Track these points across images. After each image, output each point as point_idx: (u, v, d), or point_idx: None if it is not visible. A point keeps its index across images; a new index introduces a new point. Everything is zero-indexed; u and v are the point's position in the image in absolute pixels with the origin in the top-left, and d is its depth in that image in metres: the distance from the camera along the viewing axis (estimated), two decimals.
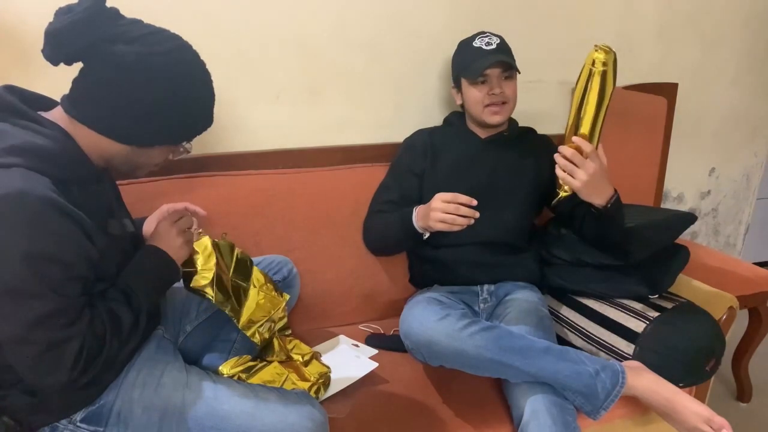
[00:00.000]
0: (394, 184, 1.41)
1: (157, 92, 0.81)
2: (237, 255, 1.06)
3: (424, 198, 1.39)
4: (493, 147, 1.40)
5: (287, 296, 1.14)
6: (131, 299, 0.85)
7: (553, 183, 1.40)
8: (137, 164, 0.89)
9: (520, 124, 1.47)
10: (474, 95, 1.34)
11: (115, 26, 0.80)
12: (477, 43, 1.34)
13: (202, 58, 0.87)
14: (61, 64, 0.81)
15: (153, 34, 0.82)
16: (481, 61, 1.30)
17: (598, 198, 1.12)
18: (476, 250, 1.34)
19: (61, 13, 0.77)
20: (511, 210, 1.37)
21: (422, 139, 1.43)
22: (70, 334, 0.75)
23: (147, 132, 0.84)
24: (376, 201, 1.43)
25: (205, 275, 0.97)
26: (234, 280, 1.04)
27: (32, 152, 0.75)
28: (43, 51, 0.79)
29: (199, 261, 0.98)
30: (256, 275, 1.09)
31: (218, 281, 0.99)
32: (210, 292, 0.97)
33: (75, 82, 0.82)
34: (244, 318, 1.04)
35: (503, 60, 1.29)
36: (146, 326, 0.89)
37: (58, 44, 0.77)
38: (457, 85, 1.40)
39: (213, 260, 0.99)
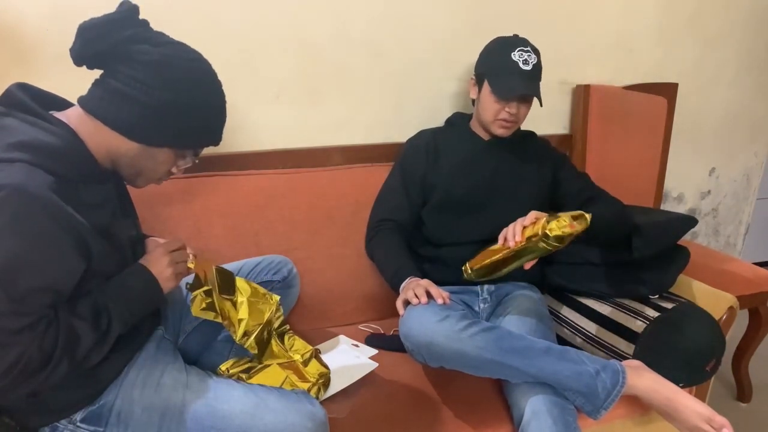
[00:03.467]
0: (400, 188, 1.41)
1: (174, 92, 0.82)
2: (216, 270, 1.04)
3: (429, 197, 1.39)
4: (496, 149, 1.40)
5: (277, 297, 1.13)
6: (100, 319, 0.81)
7: (552, 187, 1.41)
8: (141, 169, 0.89)
9: (522, 127, 1.47)
10: (491, 105, 1.32)
11: (145, 32, 0.83)
12: (516, 56, 1.28)
13: (216, 73, 0.90)
14: (68, 68, 0.82)
15: (179, 44, 0.86)
16: (514, 83, 1.27)
17: None
18: (477, 250, 1.34)
19: (95, 16, 0.80)
20: (512, 211, 1.36)
21: (425, 140, 1.43)
22: (12, 341, 0.71)
23: (157, 130, 0.84)
24: (383, 205, 1.43)
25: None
26: (222, 297, 1.04)
27: (38, 149, 0.75)
28: (71, 49, 0.80)
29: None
30: (241, 286, 1.08)
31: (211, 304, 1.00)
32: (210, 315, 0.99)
33: (96, 81, 0.84)
34: (240, 332, 1.04)
35: (531, 93, 1.28)
36: (128, 342, 0.88)
37: (89, 40, 0.79)
38: (479, 81, 1.37)
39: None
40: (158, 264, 0.91)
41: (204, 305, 0.99)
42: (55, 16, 1.22)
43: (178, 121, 0.84)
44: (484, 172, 1.37)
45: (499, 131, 1.34)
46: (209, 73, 0.88)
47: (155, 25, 0.86)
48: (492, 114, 1.33)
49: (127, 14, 0.81)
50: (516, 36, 1.33)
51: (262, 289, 1.11)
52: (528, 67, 1.28)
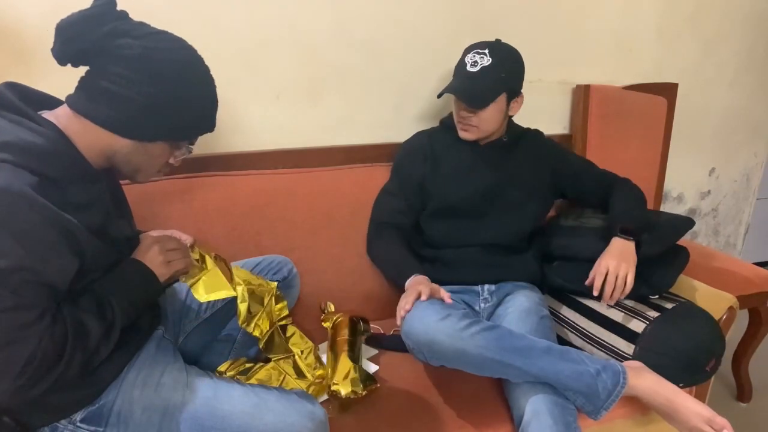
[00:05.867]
0: (398, 191, 1.40)
1: (161, 86, 0.81)
2: (214, 258, 1.05)
3: (427, 203, 1.39)
4: (492, 153, 1.38)
5: (275, 283, 1.14)
6: (105, 310, 0.82)
7: (553, 185, 1.40)
8: (138, 164, 0.88)
9: (523, 125, 1.46)
10: (454, 106, 1.34)
11: (124, 24, 0.81)
12: (468, 57, 1.27)
13: (202, 57, 0.88)
14: (68, 68, 0.81)
15: (160, 33, 0.84)
16: (454, 83, 1.28)
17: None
18: (477, 251, 1.34)
19: (72, 13, 0.78)
20: (512, 215, 1.36)
21: (422, 143, 1.42)
22: (24, 336, 0.71)
23: (148, 125, 0.83)
24: (382, 209, 1.42)
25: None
26: None
27: (23, 149, 0.74)
28: (52, 49, 0.79)
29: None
30: (237, 273, 1.09)
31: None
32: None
33: (81, 79, 0.83)
34: (242, 315, 1.04)
35: (461, 94, 1.26)
36: (128, 342, 0.88)
37: (69, 39, 0.78)
38: None
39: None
40: (149, 252, 0.92)
41: (207, 289, 0.98)
42: (55, 15, 1.21)
43: (169, 113, 0.83)
44: (482, 177, 1.36)
45: (461, 134, 1.34)
46: (195, 60, 0.86)
47: (154, 25, 0.85)
48: (456, 115, 1.34)
49: (104, 8, 0.79)
50: (491, 41, 1.30)
51: (259, 277, 1.13)
52: (474, 69, 1.25)
